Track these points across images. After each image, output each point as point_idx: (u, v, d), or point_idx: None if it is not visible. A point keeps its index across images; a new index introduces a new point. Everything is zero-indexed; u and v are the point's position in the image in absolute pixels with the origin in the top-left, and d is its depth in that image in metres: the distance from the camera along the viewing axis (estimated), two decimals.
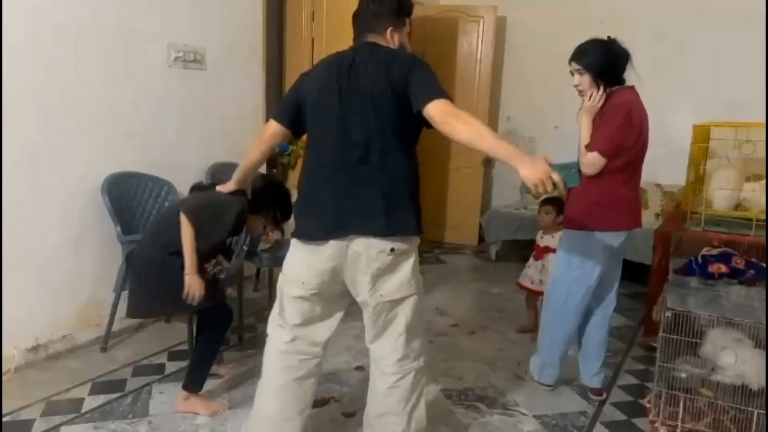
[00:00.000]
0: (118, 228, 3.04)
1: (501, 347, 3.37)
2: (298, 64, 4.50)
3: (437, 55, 5.42)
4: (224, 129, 3.78)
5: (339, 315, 2.10)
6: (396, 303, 1.95)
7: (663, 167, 4.91)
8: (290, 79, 4.56)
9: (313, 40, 4.41)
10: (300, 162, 4.60)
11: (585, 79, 2.50)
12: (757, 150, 3.01)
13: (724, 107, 4.00)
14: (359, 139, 1.82)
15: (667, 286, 2.72)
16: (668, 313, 2.38)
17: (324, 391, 2.76)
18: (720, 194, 3.18)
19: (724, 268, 2.79)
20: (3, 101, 2.65)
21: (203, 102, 3.62)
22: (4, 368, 2.79)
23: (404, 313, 1.97)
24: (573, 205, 2.61)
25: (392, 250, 1.86)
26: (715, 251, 3.01)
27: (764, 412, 2.27)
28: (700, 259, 2.87)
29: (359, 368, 3.03)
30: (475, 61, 5.38)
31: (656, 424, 2.47)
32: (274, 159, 4.38)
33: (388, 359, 2.01)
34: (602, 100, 2.51)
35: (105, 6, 3.01)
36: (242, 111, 3.90)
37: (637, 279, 4.64)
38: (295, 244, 1.99)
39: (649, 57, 4.96)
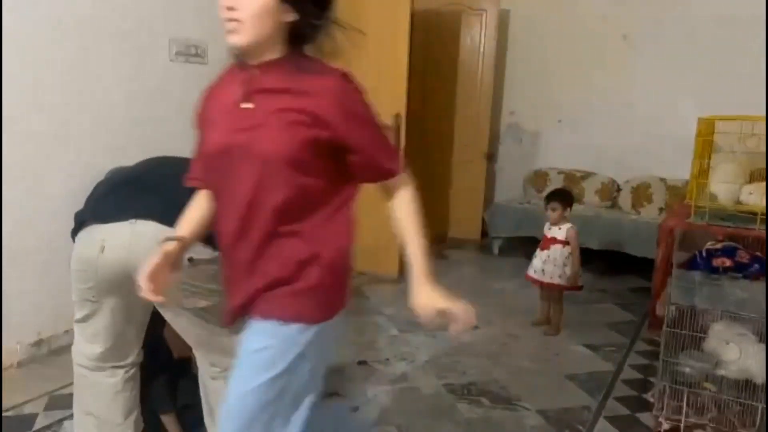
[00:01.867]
0: None
1: (504, 342, 3.37)
2: None
3: (440, 49, 5.42)
4: None
5: None
6: None
7: (667, 161, 4.92)
8: None
9: None
10: None
11: None
12: (762, 144, 2.99)
13: (729, 101, 3.98)
14: None
15: (670, 281, 2.70)
16: (672, 308, 2.38)
17: (326, 386, 2.75)
18: (725, 188, 3.16)
19: (728, 263, 2.78)
20: (4, 97, 2.64)
21: None
22: (7, 363, 2.80)
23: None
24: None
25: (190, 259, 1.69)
26: (719, 245, 3.00)
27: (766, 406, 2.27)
28: (704, 254, 2.85)
29: (362, 363, 3.03)
30: (477, 55, 5.35)
31: (660, 419, 2.46)
32: None
33: None
34: None
35: (107, 1, 3.00)
36: None
37: (641, 273, 4.64)
38: None
39: (653, 50, 4.98)
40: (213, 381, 1.94)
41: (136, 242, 1.66)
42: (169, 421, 2.20)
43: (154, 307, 1.88)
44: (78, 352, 1.95)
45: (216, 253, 1.57)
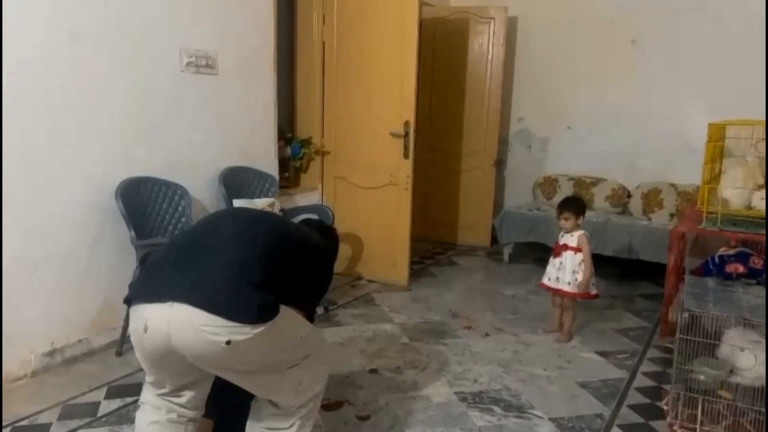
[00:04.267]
0: (132, 233, 3.05)
1: (515, 349, 3.35)
2: (309, 68, 4.51)
3: (448, 56, 5.43)
4: (236, 133, 3.80)
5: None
6: None
7: (677, 166, 4.90)
8: (301, 83, 4.59)
9: (324, 43, 4.42)
10: (311, 165, 4.64)
11: None
12: None
13: (740, 106, 3.95)
14: None
15: (682, 287, 2.69)
16: (685, 314, 2.36)
17: (338, 394, 2.76)
18: (736, 193, 3.14)
19: (741, 268, 2.76)
20: (16, 109, 2.68)
21: (215, 106, 3.63)
22: (21, 372, 2.82)
23: None
24: None
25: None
26: (732, 251, 2.98)
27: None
28: (717, 259, 2.84)
29: (373, 371, 3.02)
30: (486, 62, 5.36)
31: (674, 427, 2.44)
32: (286, 163, 4.39)
33: None
34: None
35: (118, 11, 3.03)
36: (253, 115, 3.92)
37: (652, 279, 4.61)
38: None
39: (663, 55, 4.97)
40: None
41: (174, 324, 1.68)
42: None
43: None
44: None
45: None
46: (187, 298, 1.67)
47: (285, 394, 1.92)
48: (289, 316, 1.82)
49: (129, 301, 1.79)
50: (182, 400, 1.95)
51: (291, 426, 1.96)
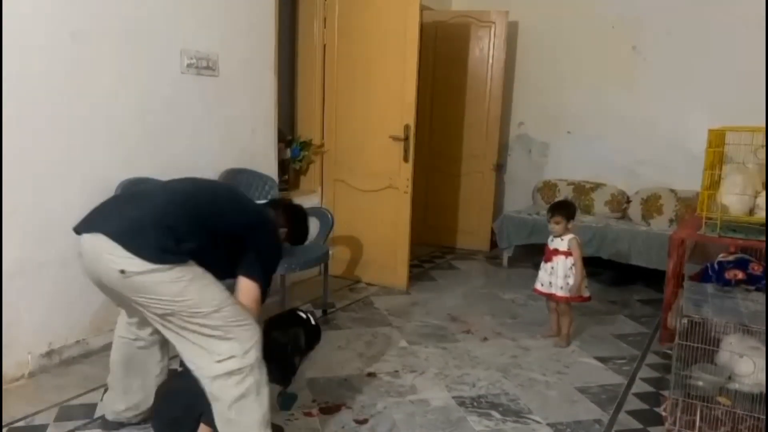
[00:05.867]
0: None
1: (514, 354, 3.35)
2: (309, 71, 4.52)
3: (449, 60, 5.44)
4: (236, 135, 3.80)
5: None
6: None
7: (677, 172, 4.90)
8: (302, 85, 4.59)
9: (324, 46, 4.42)
10: (311, 168, 4.64)
11: None
12: None
13: (740, 112, 3.96)
14: None
15: (682, 293, 2.69)
16: (684, 320, 2.35)
17: (336, 397, 2.75)
18: (736, 199, 3.14)
19: (740, 275, 2.76)
20: (17, 111, 2.68)
21: (215, 108, 3.63)
22: (18, 373, 2.81)
23: None
24: None
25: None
26: (731, 257, 2.99)
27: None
28: (716, 265, 2.84)
29: (371, 375, 3.02)
30: (486, 67, 5.36)
31: None
32: (286, 165, 4.39)
33: None
34: None
35: (119, 13, 3.03)
36: (254, 117, 3.92)
37: (651, 285, 4.61)
38: None
39: (663, 61, 4.97)
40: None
41: (92, 250, 1.95)
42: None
43: None
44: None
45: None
46: (104, 229, 1.93)
47: (199, 359, 2.01)
48: (203, 278, 1.98)
49: (76, 231, 2.03)
50: (145, 333, 2.31)
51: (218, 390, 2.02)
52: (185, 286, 1.92)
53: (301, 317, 2.51)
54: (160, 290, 1.91)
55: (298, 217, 2.49)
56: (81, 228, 2.00)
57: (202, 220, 2.03)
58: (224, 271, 2.11)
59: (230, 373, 1.98)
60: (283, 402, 2.49)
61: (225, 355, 1.98)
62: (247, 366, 2.01)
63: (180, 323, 1.97)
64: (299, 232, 2.50)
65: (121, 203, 2.11)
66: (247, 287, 2.11)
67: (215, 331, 1.98)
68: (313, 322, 2.53)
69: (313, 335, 2.51)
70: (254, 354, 2.03)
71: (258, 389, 2.04)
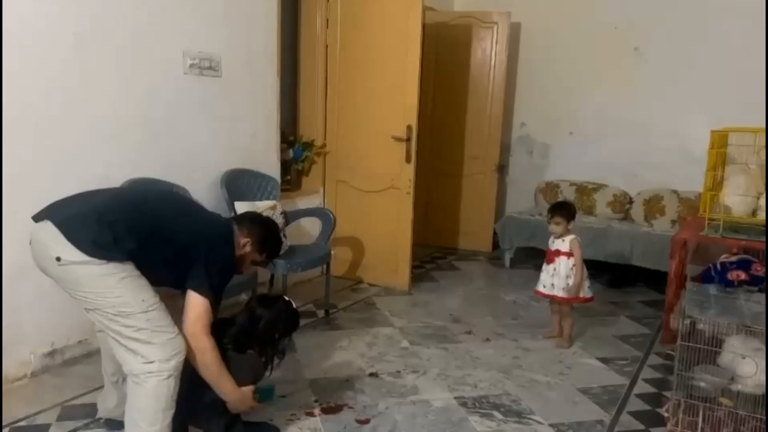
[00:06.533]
0: None
1: (516, 355, 3.35)
2: (311, 71, 4.52)
3: (451, 61, 5.44)
4: (239, 136, 3.80)
5: None
6: None
7: (679, 173, 4.89)
8: (304, 86, 4.59)
9: (327, 46, 4.43)
10: (313, 168, 4.64)
11: None
12: None
13: (743, 113, 3.95)
14: None
15: (684, 294, 2.68)
16: (686, 321, 2.35)
17: (337, 398, 2.75)
18: (738, 200, 3.14)
19: (743, 276, 2.75)
20: (20, 112, 2.69)
21: (218, 108, 3.63)
22: (20, 373, 2.82)
23: None
24: None
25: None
26: (734, 258, 2.98)
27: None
28: (718, 266, 2.83)
29: (373, 375, 3.02)
30: (488, 68, 5.36)
31: None
32: (288, 166, 4.40)
33: None
34: None
35: (122, 14, 3.04)
36: (257, 117, 3.92)
37: (654, 286, 4.60)
38: None
39: (665, 62, 4.97)
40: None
41: (38, 237, 2.03)
42: None
43: None
44: None
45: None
46: (52, 217, 2.00)
47: (126, 355, 2.05)
48: (137, 279, 2.03)
49: (33, 219, 2.08)
50: None
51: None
52: (116, 283, 1.97)
53: (284, 299, 2.50)
54: (91, 283, 1.97)
55: (264, 227, 2.42)
56: (37, 217, 2.07)
57: (147, 224, 2.08)
58: (164, 278, 2.13)
59: (149, 374, 2.02)
60: (261, 394, 2.35)
61: (147, 359, 2.01)
62: (165, 371, 2.02)
63: (105, 321, 2.01)
64: (269, 243, 2.41)
65: (77, 197, 2.16)
66: (193, 301, 2.11)
67: (139, 333, 2.00)
68: (294, 306, 2.51)
69: (293, 318, 2.47)
70: (174, 363, 2.04)
71: (168, 402, 2.06)
